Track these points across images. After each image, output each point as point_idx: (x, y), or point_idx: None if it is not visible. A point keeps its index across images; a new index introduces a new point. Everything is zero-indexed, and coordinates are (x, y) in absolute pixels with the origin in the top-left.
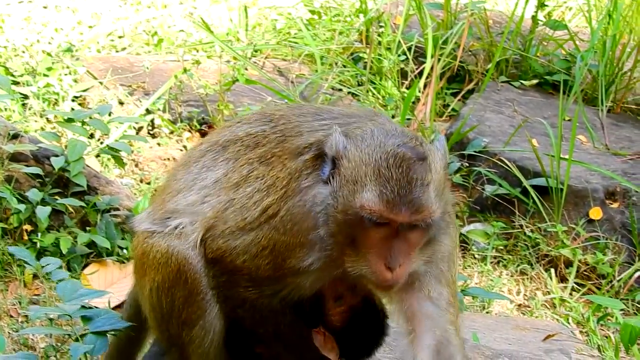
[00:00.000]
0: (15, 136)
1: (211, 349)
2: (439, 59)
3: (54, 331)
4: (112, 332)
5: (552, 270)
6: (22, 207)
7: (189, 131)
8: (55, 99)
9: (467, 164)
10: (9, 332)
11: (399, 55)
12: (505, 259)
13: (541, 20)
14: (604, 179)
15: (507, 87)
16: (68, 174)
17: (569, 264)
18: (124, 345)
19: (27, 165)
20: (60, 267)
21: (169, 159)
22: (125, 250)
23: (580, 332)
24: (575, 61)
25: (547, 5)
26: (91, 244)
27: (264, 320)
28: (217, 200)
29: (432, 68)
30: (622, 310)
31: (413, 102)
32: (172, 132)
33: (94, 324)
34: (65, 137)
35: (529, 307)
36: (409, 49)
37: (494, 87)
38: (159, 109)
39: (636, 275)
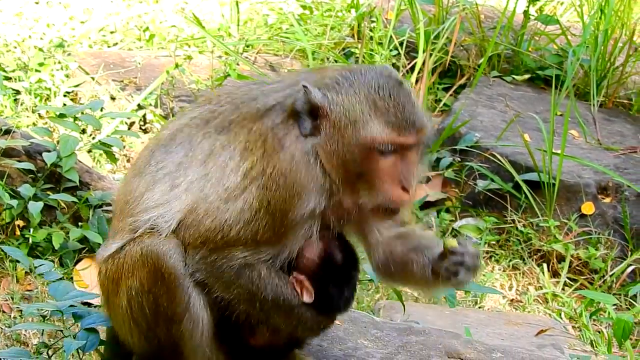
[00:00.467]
0: (7, 132)
1: (202, 340)
2: (430, 54)
3: (46, 327)
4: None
5: (545, 265)
6: (14, 202)
7: None
8: (47, 95)
9: (459, 159)
10: (1, 328)
11: (390, 51)
12: (497, 254)
13: (533, 15)
14: (596, 174)
15: (499, 82)
16: (60, 170)
17: (561, 259)
18: None
19: (19, 161)
20: (53, 262)
21: None
22: None
23: (573, 327)
24: (567, 56)
25: (538, 0)
26: (83, 240)
27: (252, 298)
28: (188, 180)
29: (423, 63)
30: (614, 305)
31: None
32: None
33: (85, 320)
34: (57, 133)
35: (522, 302)
36: (401, 44)
37: (486, 82)
38: (150, 105)
39: (628, 270)
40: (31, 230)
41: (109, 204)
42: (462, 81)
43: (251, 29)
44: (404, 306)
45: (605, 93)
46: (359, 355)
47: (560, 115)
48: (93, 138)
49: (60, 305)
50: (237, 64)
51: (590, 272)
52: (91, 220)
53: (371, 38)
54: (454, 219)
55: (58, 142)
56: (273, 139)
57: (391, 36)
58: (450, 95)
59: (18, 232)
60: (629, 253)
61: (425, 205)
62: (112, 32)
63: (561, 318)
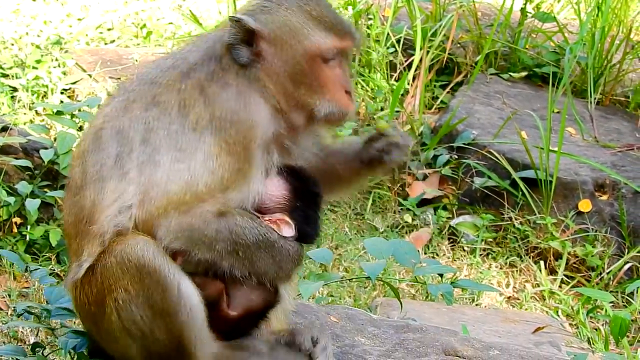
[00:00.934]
0: (4, 129)
1: (202, 326)
2: (427, 51)
3: (37, 325)
4: None
5: (542, 262)
6: (11, 199)
7: None
8: (44, 92)
9: (456, 156)
10: None
11: (387, 48)
12: (494, 252)
13: (530, 13)
14: (593, 171)
15: (496, 80)
16: (57, 167)
17: (558, 256)
18: None
19: (16, 158)
20: (50, 259)
21: None
22: None
23: (570, 324)
24: (564, 53)
25: None
26: None
27: (235, 247)
28: (135, 164)
29: (420, 60)
30: (611, 302)
31: (402, 95)
32: None
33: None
34: (55, 130)
35: (519, 299)
36: (398, 41)
37: (483, 79)
38: None
39: (625, 267)
40: (28, 227)
41: None
42: (459, 78)
43: None
44: (401, 303)
45: (603, 90)
46: (356, 353)
47: (558, 112)
48: None
49: (50, 307)
50: None
51: (587, 269)
52: None
53: (368, 35)
54: (451, 216)
55: (55, 139)
56: (211, 85)
57: (388, 33)
58: (448, 92)
59: (15, 230)
60: (626, 250)
61: (422, 203)
62: (109, 29)
63: (558, 315)
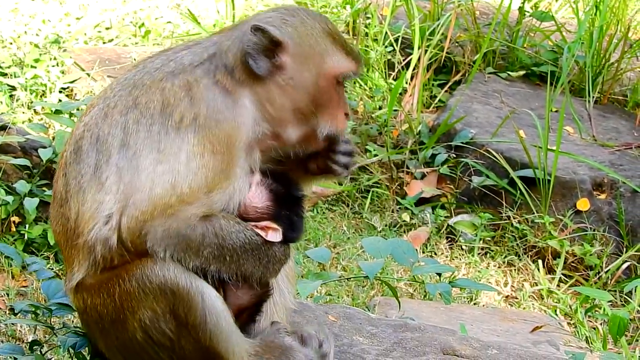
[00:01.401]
0: (2, 128)
1: (228, 327)
2: (426, 50)
3: (35, 323)
4: None
5: (540, 261)
6: (9, 198)
7: None
8: (43, 91)
9: (454, 155)
10: None
11: (385, 47)
12: (492, 251)
13: (528, 12)
14: (591, 170)
15: (494, 79)
16: (56, 166)
17: (556, 255)
18: None
19: (14, 157)
20: (48, 258)
21: None
22: None
23: (568, 323)
24: (562, 52)
25: None
26: None
27: (221, 252)
28: (114, 171)
29: (419, 59)
30: (609, 301)
31: (400, 94)
32: None
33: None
34: (53, 129)
35: (517, 298)
36: (396, 40)
37: (481, 78)
38: None
39: (624, 266)
40: (27, 226)
41: None
42: (457, 77)
43: None
44: (399, 302)
45: (601, 89)
46: (354, 352)
47: (556, 111)
48: None
49: (49, 304)
50: None
51: (585, 268)
52: None
53: (366, 34)
54: (449, 215)
55: (54, 138)
56: (199, 86)
57: (386, 32)
58: (446, 91)
59: (14, 228)
60: (624, 249)
61: (421, 202)
62: (107, 28)
63: (556, 314)
